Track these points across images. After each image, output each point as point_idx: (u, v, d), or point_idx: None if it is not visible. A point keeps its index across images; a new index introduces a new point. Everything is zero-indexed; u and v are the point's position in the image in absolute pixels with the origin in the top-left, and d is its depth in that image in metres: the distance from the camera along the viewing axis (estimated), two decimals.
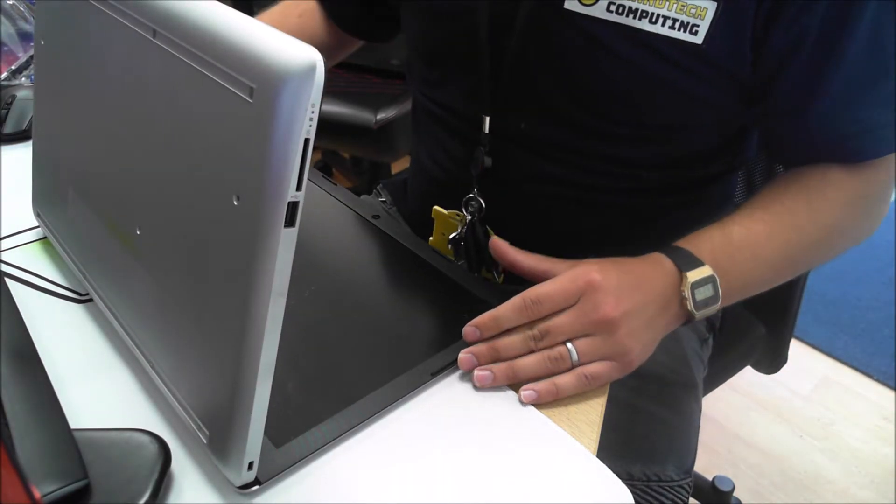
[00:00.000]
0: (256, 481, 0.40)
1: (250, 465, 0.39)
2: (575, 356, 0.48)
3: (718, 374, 0.88)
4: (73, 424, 0.40)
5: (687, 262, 0.53)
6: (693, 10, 0.53)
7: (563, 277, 0.49)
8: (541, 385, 0.48)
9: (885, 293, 1.93)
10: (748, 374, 0.94)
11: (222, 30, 0.32)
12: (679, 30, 0.54)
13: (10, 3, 0.87)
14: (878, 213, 0.63)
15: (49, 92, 0.54)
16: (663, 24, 0.53)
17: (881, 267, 2.02)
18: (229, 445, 0.38)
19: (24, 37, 0.86)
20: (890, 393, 1.64)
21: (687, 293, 0.51)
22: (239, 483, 0.39)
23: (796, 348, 1.59)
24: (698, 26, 0.53)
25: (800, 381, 1.66)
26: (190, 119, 0.37)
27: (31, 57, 0.83)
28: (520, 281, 0.64)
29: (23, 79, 0.82)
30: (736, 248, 0.55)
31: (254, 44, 0.31)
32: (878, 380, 1.68)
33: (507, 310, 0.49)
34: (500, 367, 0.48)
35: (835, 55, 0.53)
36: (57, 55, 0.51)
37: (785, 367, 0.93)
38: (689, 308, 0.51)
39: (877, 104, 0.56)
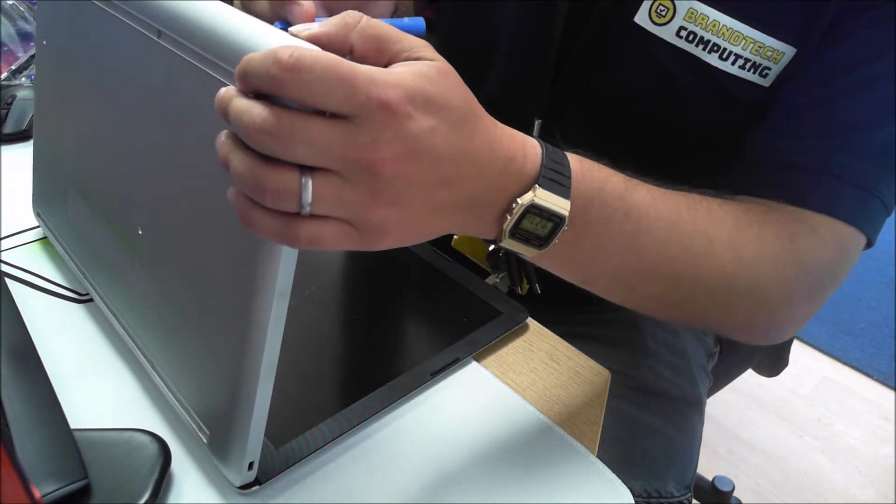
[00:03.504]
0: (257, 481, 0.40)
1: (250, 466, 0.39)
2: (308, 199, 0.30)
3: (720, 378, 0.88)
4: (73, 424, 0.40)
5: (555, 173, 0.37)
6: (769, 53, 0.50)
7: (364, 71, 0.29)
8: (241, 200, 0.31)
9: (885, 293, 1.93)
10: (748, 374, 0.94)
11: (228, 30, 0.32)
12: (749, 70, 0.51)
13: (10, 3, 0.87)
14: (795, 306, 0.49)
15: (50, 92, 0.54)
16: (734, 63, 0.51)
17: (881, 267, 2.02)
18: (230, 446, 0.38)
19: (24, 37, 0.86)
20: (890, 393, 1.64)
21: (517, 209, 0.36)
22: (239, 483, 0.39)
23: (796, 348, 1.59)
24: (770, 69, 0.51)
25: (800, 381, 1.66)
26: (194, 119, 0.37)
27: (32, 57, 0.83)
28: (555, 299, 0.63)
29: (23, 79, 0.82)
30: (622, 210, 0.40)
31: (260, 45, 0.31)
32: (878, 380, 1.68)
33: (257, 57, 0.29)
34: (220, 141, 0.31)
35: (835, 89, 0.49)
36: (59, 55, 0.51)
37: (785, 367, 0.92)
38: (503, 226, 0.36)
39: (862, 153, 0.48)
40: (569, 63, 0.59)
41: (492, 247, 0.65)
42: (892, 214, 0.51)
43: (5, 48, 0.83)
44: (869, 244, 0.50)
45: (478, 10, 0.67)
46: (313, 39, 0.32)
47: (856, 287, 1.95)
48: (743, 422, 1.54)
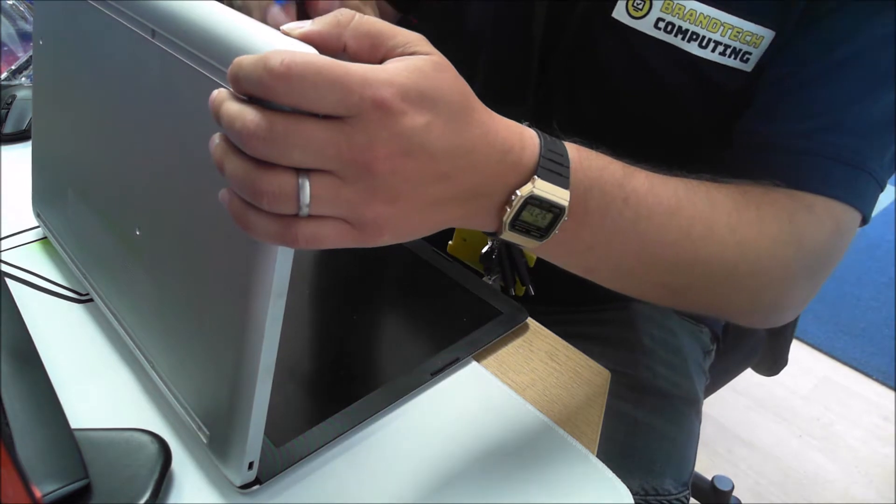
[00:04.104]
0: (257, 481, 0.40)
1: (250, 465, 0.39)
2: (306, 200, 0.30)
3: (719, 377, 0.88)
4: (73, 424, 0.40)
5: (553, 163, 0.37)
6: (749, 38, 0.50)
7: (356, 71, 0.29)
8: (236, 203, 0.31)
9: (885, 293, 1.93)
10: (748, 373, 0.94)
11: (221, 30, 0.32)
12: (730, 57, 0.51)
13: (10, 3, 0.87)
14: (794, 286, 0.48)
15: (48, 92, 0.54)
16: (713, 50, 0.51)
17: (881, 267, 2.02)
18: (229, 445, 0.38)
19: (24, 37, 0.86)
20: (890, 393, 1.64)
21: (516, 200, 0.35)
22: (239, 483, 0.39)
23: (796, 348, 1.59)
24: (751, 54, 0.51)
25: (800, 381, 1.66)
26: (189, 119, 0.37)
27: (31, 57, 0.83)
28: (551, 298, 0.63)
29: (23, 79, 0.82)
30: (621, 198, 0.40)
31: (253, 44, 0.31)
32: (877, 380, 1.68)
33: (248, 62, 0.29)
34: (213, 144, 0.31)
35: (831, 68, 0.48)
36: (56, 55, 0.51)
37: (785, 367, 0.93)
38: (502, 218, 0.36)
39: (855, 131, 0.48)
40: (553, 64, 0.60)
41: (485, 249, 0.65)
42: (893, 216, 0.51)
43: (5, 48, 0.84)
44: (864, 221, 0.50)
45: (457, 17, 0.67)
46: (306, 38, 0.31)
47: (856, 287, 1.95)
48: (743, 422, 1.54)
